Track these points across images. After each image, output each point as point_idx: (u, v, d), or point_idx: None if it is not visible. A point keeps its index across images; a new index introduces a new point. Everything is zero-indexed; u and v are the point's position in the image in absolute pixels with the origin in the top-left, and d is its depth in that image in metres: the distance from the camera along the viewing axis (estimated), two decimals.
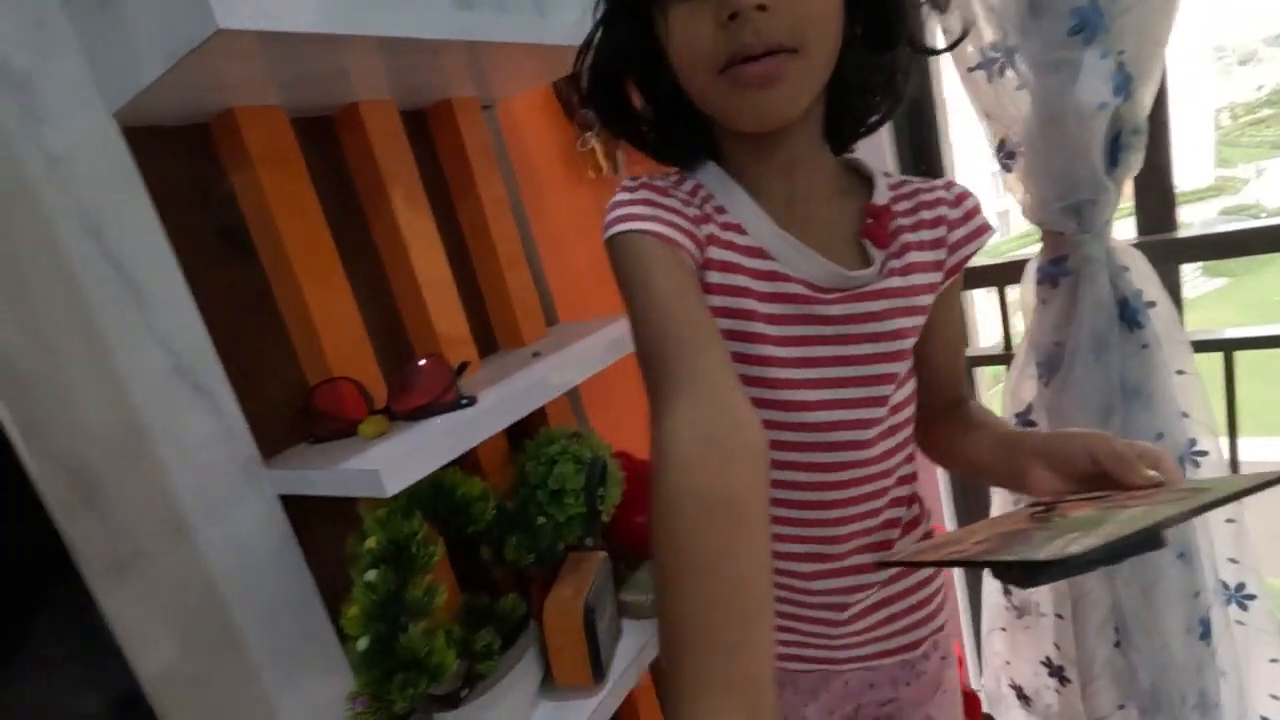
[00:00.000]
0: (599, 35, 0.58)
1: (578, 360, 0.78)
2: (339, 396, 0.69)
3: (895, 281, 0.59)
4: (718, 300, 0.57)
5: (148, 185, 0.59)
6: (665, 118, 0.60)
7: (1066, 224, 1.00)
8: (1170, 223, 1.24)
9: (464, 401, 0.68)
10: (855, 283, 0.58)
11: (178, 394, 0.60)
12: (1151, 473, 0.48)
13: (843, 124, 0.60)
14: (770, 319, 0.57)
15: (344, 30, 0.52)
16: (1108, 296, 1.00)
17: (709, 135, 0.60)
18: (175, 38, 0.47)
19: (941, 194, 0.62)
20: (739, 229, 0.57)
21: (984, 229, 0.62)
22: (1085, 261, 1.00)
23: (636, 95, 0.61)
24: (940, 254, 0.61)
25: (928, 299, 0.60)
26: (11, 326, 0.51)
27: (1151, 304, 1.00)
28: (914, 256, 0.59)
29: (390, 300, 0.83)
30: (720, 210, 0.58)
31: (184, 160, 0.65)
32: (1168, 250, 1.21)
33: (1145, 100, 0.94)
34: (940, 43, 0.63)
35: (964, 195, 0.62)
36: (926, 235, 0.60)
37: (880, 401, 0.60)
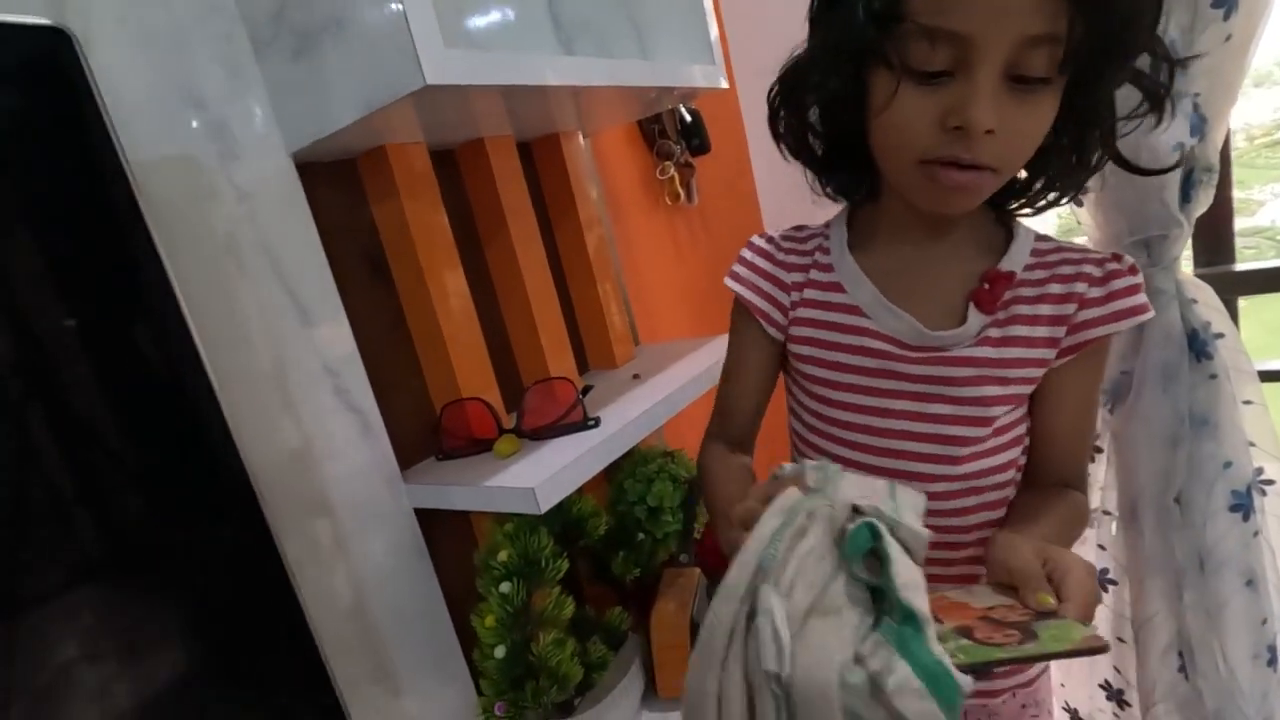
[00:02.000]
0: (807, 64, 0.58)
1: (678, 385, 0.82)
2: (467, 416, 0.73)
3: (987, 351, 0.58)
4: (806, 350, 0.64)
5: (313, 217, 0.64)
6: (837, 152, 0.62)
7: (1138, 257, 1.03)
8: (1229, 255, 1.27)
9: (591, 423, 0.71)
10: (939, 343, 0.59)
11: (337, 414, 0.64)
12: (1048, 600, 0.44)
13: (1013, 201, 0.61)
14: (855, 370, 0.61)
15: (525, 82, 0.56)
16: (1177, 328, 1.03)
17: (873, 173, 0.61)
18: (377, 89, 0.52)
19: (1089, 269, 0.57)
20: (839, 288, 0.63)
21: (1124, 314, 0.56)
22: (1155, 294, 1.03)
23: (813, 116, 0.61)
24: (1059, 330, 0.57)
25: (1030, 372, 0.58)
26: (221, 348, 0.55)
27: (1220, 335, 1.03)
28: (1019, 330, 0.58)
29: (501, 322, 0.87)
30: (827, 269, 0.64)
31: (337, 193, 0.70)
32: (1227, 283, 1.24)
33: (1217, 140, 0.98)
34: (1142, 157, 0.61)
35: (1116, 273, 0.57)
36: (1046, 310, 0.57)
37: (953, 460, 0.60)
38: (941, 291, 0.60)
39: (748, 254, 0.68)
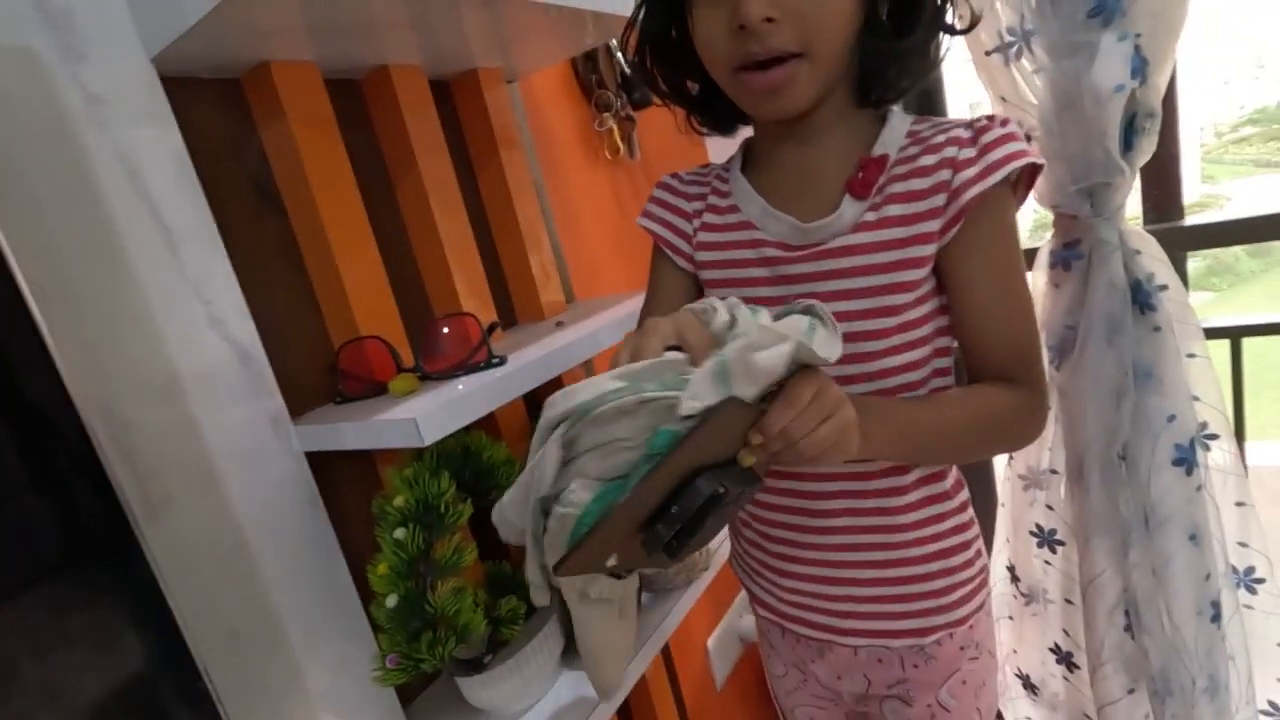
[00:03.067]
0: (640, 17, 0.65)
1: (601, 331, 0.78)
2: (366, 355, 0.69)
3: (865, 236, 0.58)
4: (711, 273, 0.68)
5: (184, 136, 0.59)
6: (704, 93, 0.67)
7: (1081, 207, 1.01)
8: (1177, 212, 1.25)
9: (495, 361, 0.67)
10: (818, 236, 0.60)
11: (210, 344, 0.59)
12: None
13: (871, 92, 0.61)
14: (754, 282, 0.65)
15: None
16: (1121, 279, 1.01)
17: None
18: None
19: (958, 132, 0.58)
20: (735, 209, 0.66)
21: (998, 164, 0.55)
22: (1098, 245, 1.01)
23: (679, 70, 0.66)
24: (937, 199, 0.56)
25: (917, 251, 0.57)
26: (47, 266, 0.50)
27: (1164, 287, 1.02)
28: (894, 209, 0.58)
29: (414, 266, 0.82)
30: (725, 194, 0.68)
31: (218, 112, 0.65)
32: (1175, 238, 1.22)
33: (1160, 84, 0.95)
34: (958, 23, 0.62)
35: (984, 128, 0.57)
36: (919, 183, 0.57)
37: (863, 358, 0.60)
38: (821, 189, 0.61)
39: (655, 192, 0.73)
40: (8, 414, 0.43)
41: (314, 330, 0.71)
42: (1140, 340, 1.03)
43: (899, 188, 0.59)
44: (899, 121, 0.61)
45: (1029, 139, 1.03)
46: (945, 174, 0.57)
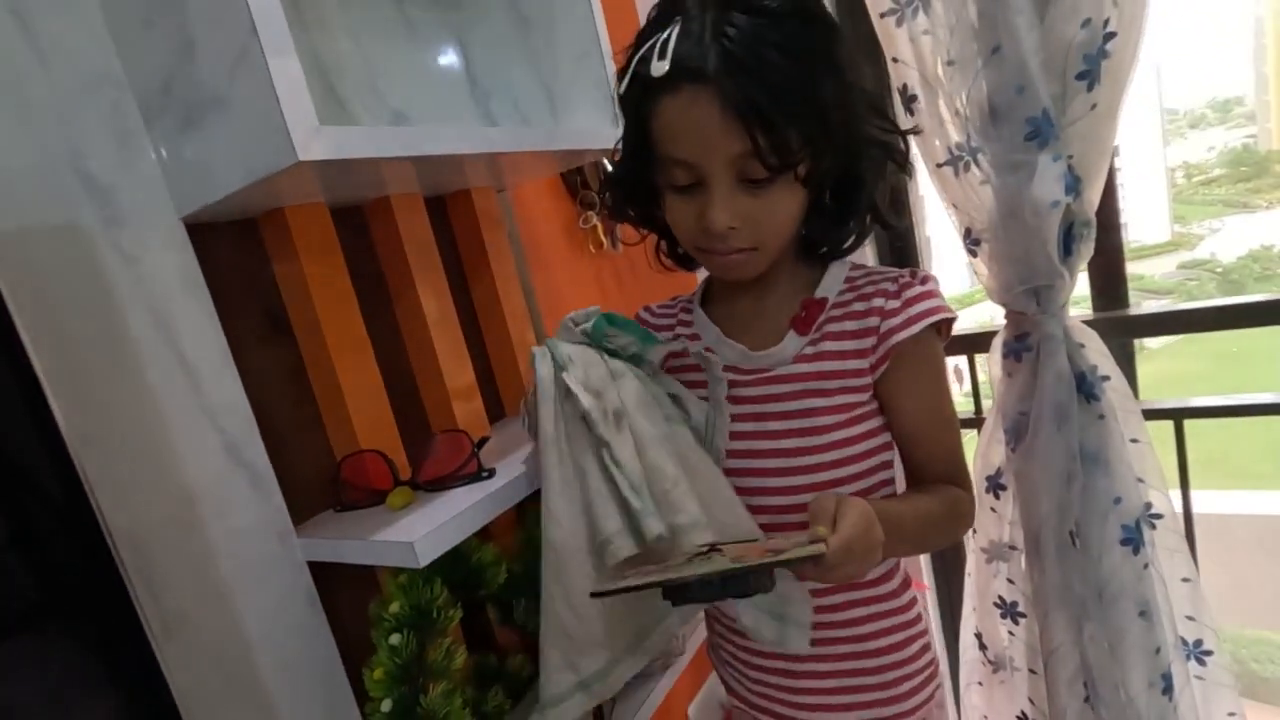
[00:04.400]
0: (617, 174, 0.77)
1: None
2: (365, 467, 0.75)
3: (804, 367, 0.70)
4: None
5: (206, 276, 0.66)
6: (669, 234, 0.77)
7: (1028, 305, 1.10)
8: (1123, 301, 1.35)
9: (485, 474, 0.73)
10: (764, 363, 0.71)
11: (225, 469, 0.65)
12: (822, 530, 0.54)
13: (816, 251, 0.74)
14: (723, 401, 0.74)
15: (402, 154, 0.59)
16: (1066, 371, 1.09)
17: None
18: (255, 163, 0.54)
19: (886, 285, 0.69)
20: (696, 337, 0.78)
21: (919, 316, 0.66)
22: (1045, 339, 1.09)
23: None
24: (867, 341, 0.68)
25: (848, 383, 0.68)
26: (85, 410, 0.56)
27: (1106, 378, 1.10)
28: (829, 345, 0.69)
29: (408, 369, 0.89)
30: (688, 324, 0.81)
31: (235, 250, 0.72)
32: (1121, 326, 1.31)
33: (1093, 198, 1.05)
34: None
35: (908, 284, 0.68)
36: (851, 325, 0.69)
37: (800, 471, 0.69)
38: (769, 324, 0.73)
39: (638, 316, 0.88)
40: (44, 547, 0.48)
41: (317, 443, 0.77)
42: (1086, 426, 1.10)
43: (834, 327, 0.70)
44: (838, 269, 0.73)
45: (979, 242, 1.12)
46: (874, 320, 0.68)
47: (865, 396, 0.70)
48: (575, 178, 1.22)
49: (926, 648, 0.75)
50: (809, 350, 0.70)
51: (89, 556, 0.50)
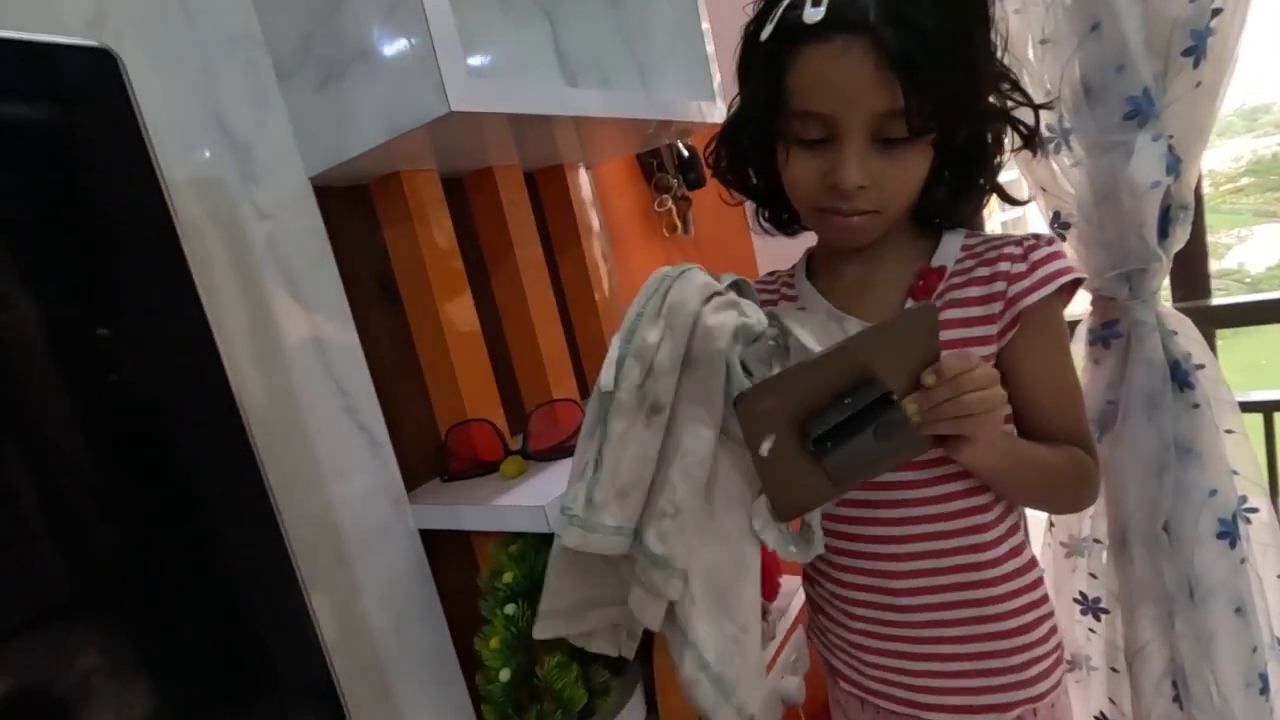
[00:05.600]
0: (733, 127, 0.71)
1: None
2: (472, 437, 0.74)
3: None
4: None
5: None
6: (769, 196, 0.74)
7: (1119, 290, 1.07)
8: (1205, 291, 1.32)
9: None
10: None
11: (346, 432, 0.64)
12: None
13: (930, 220, 0.71)
14: None
15: (551, 111, 0.59)
16: (1159, 359, 1.06)
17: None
18: (402, 115, 0.54)
19: (1010, 249, 0.66)
20: (803, 311, 0.72)
21: (1049, 278, 0.63)
22: (1136, 325, 1.07)
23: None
24: (994, 307, 0.65)
25: (972, 351, 0.63)
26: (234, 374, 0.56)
27: (1200, 366, 1.07)
28: (951, 313, 0.66)
29: (504, 347, 0.88)
30: (792, 299, 0.76)
31: (350, 216, 0.72)
32: (1204, 317, 1.28)
33: (1191, 180, 1.02)
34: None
35: (1034, 246, 0.65)
36: (976, 291, 0.66)
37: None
38: (884, 295, 0.69)
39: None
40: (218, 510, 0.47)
41: (422, 412, 0.77)
42: (1179, 416, 1.07)
43: (956, 295, 0.67)
44: (953, 237, 0.70)
45: (1068, 226, 1.10)
46: (1000, 285, 0.65)
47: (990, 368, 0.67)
48: (652, 161, 1.21)
49: (1054, 629, 0.72)
50: None
51: (255, 515, 0.48)
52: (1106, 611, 1.22)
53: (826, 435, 0.47)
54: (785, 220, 0.77)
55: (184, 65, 0.56)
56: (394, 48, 0.53)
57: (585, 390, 1.00)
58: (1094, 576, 1.22)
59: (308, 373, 0.62)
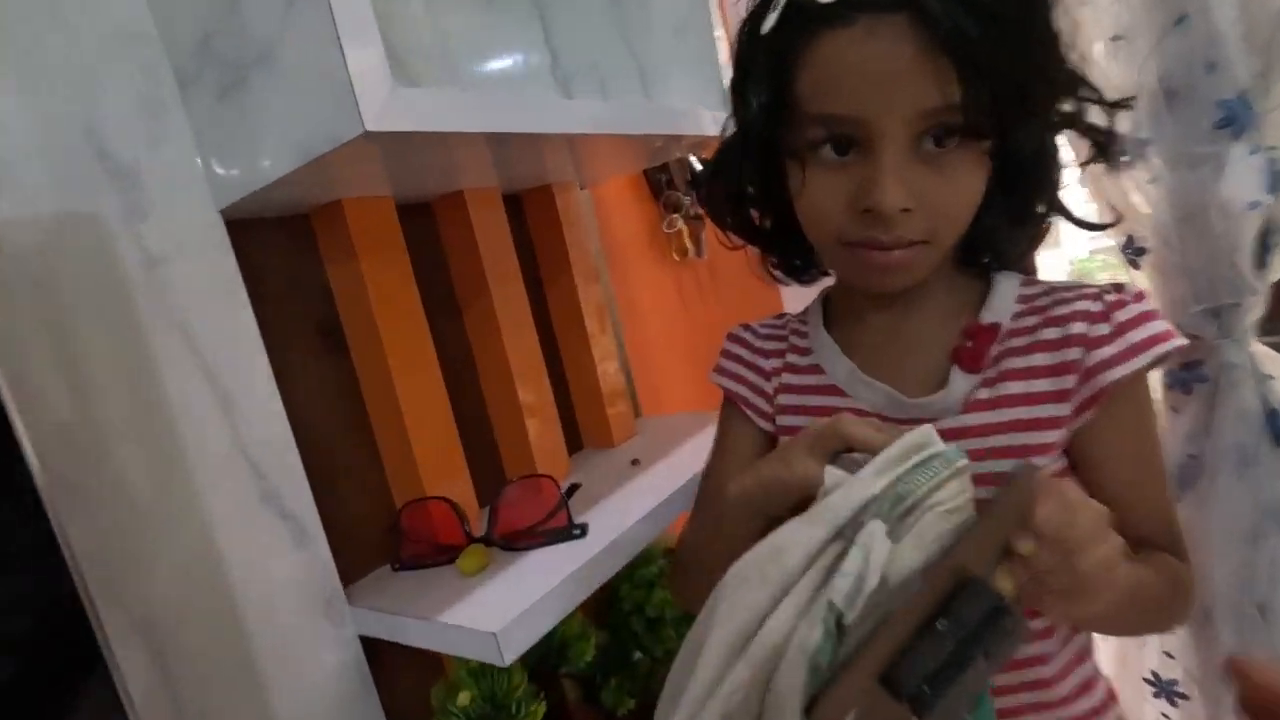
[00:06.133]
0: (728, 147, 0.56)
1: (684, 478, 0.70)
2: (430, 518, 0.62)
3: (980, 417, 0.51)
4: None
5: (246, 282, 0.53)
6: (779, 236, 0.59)
7: (1205, 328, 0.91)
8: None
9: (576, 531, 0.59)
10: (922, 412, 0.53)
11: (263, 522, 0.52)
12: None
13: (980, 258, 0.56)
14: None
15: (498, 129, 0.46)
16: (1253, 407, 0.90)
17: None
18: (311, 137, 0.42)
19: (1085, 305, 0.51)
20: (817, 369, 0.59)
21: (1141, 346, 0.49)
22: (1226, 369, 0.91)
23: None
24: (1067, 380, 0.50)
25: (1041, 437, 0.50)
26: (93, 447, 0.44)
27: None
28: (1014, 387, 0.51)
29: (477, 396, 0.75)
30: (805, 351, 0.60)
31: (281, 251, 0.60)
32: None
33: None
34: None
35: (1118, 303, 0.51)
36: (1042, 359, 0.51)
37: None
38: (922, 357, 0.55)
39: (728, 345, 0.66)
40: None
41: (372, 482, 0.65)
42: (1277, 475, 0.91)
43: (1017, 363, 0.52)
44: (1007, 284, 0.54)
45: (1142, 252, 0.95)
46: (1075, 352, 0.50)
47: (1058, 453, 0.53)
48: (660, 176, 1.08)
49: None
50: (985, 394, 0.52)
51: (70, 640, 0.37)
52: (1185, 696, 1.05)
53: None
54: (799, 265, 0.62)
55: (53, 69, 0.44)
56: (295, 46, 0.40)
57: (576, 442, 0.88)
58: (1170, 656, 1.06)
59: (208, 452, 0.49)
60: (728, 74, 0.78)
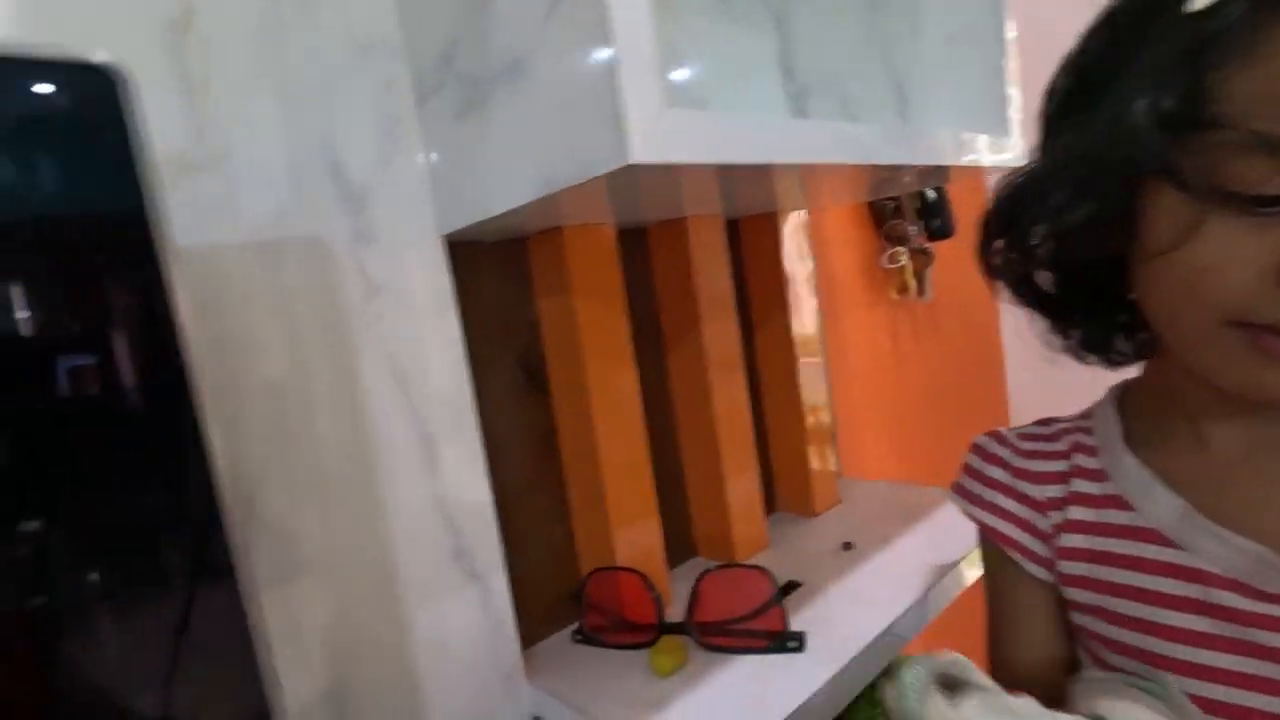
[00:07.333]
0: (1042, 180, 0.41)
1: (917, 580, 0.57)
2: (619, 591, 0.54)
3: None
4: (1083, 596, 0.44)
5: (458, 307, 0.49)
6: (1081, 296, 0.45)
7: None
8: None
9: (791, 643, 0.49)
10: None
11: (451, 582, 0.47)
12: None
13: None
14: (1197, 638, 0.39)
15: (763, 159, 0.37)
16: None
17: (1139, 327, 0.44)
18: (560, 165, 0.35)
19: None
20: (1119, 502, 0.43)
21: None
22: None
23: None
24: None
25: None
26: (295, 489, 0.41)
27: None
28: None
29: (673, 444, 0.68)
30: (1096, 475, 0.44)
31: (493, 278, 0.55)
32: None
33: None
34: None
35: None
36: None
37: None
38: None
39: (979, 464, 0.50)
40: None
41: (557, 537, 0.59)
42: None
43: None
44: None
45: None
46: None
47: None
48: (888, 204, 0.95)
49: None
50: None
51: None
52: None
53: None
54: (1103, 337, 0.47)
55: (293, 83, 0.41)
56: (553, 57, 0.34)
57: (769, 503, 0.77)
58: None
59: (406, 499, 0.45)
60: (1014, 91, 0.63)
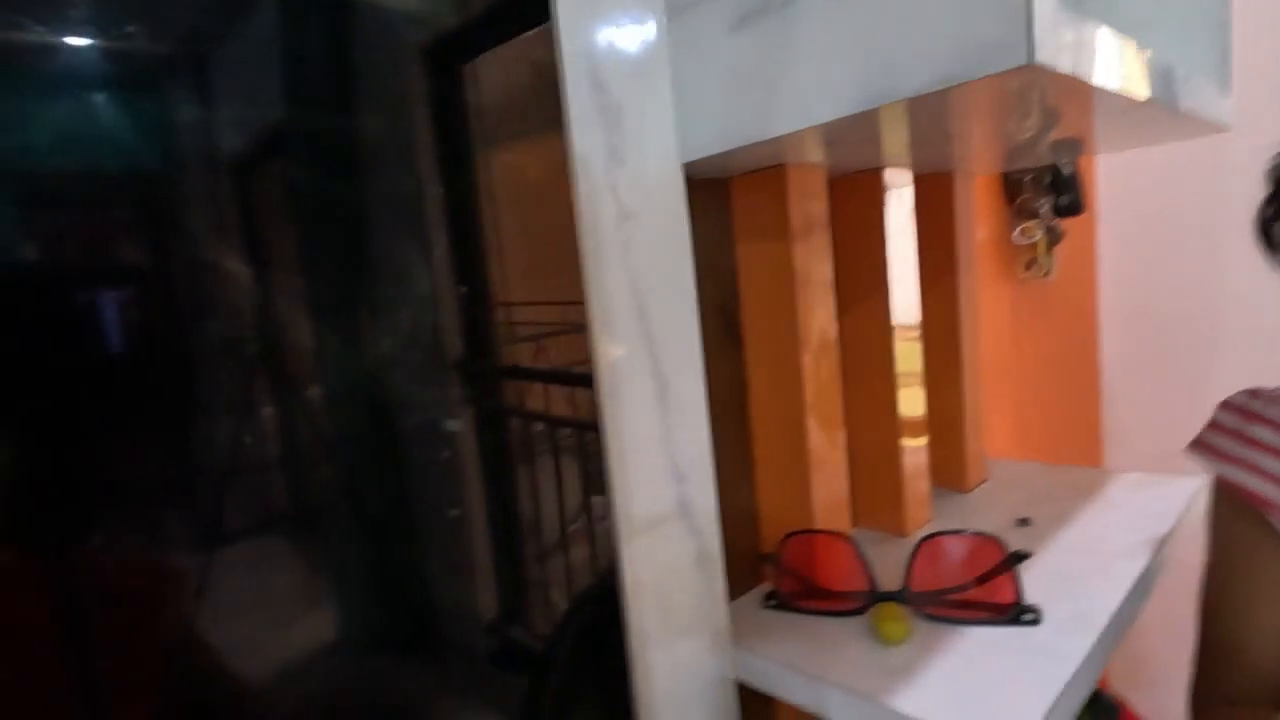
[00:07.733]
0: None
1: (1114, 550, 0.54)
2: (819, 555, 0.51)
3: None
4: None
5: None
6: None
7: None
8: None
9: (1027, 615, 0.46)
10: None
11: (675, 534, 0.44)
12: None
13: None
14: None
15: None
16: None
17: None
18: (936, 62, 0.31)
19: None
20: None
21: None
22: None
23: None
24: None
25: None
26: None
27: None
28: None
29: (849, 405, 0.64)
30: None
31: (700, 223, 0.51)
32: None
33: None
34: None
35: None
36: None
37: None
38: None
39: (1232, 420, 0.52)
40: None
41: (746, 499, 0.56)
42: None
43: None
44: None
45: None
46: None
47: None
48: (1022, 176, 0.91)
49: None
50: None
51: None
52: None
53: None
54: None
55: None
56: None
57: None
58: None
59: (642, 445, 0.42)
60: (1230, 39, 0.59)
